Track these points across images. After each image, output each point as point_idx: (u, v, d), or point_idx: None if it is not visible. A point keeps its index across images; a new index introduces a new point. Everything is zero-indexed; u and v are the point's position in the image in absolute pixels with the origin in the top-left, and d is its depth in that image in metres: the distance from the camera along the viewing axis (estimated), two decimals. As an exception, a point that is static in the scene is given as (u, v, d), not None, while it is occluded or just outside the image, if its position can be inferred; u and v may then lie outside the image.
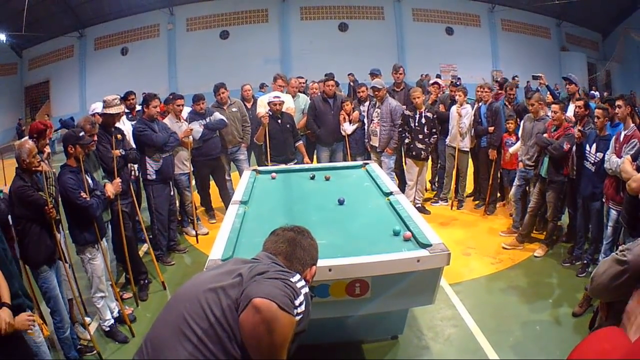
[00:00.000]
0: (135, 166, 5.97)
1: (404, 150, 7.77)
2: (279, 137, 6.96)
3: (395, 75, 8.29)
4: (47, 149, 5.17)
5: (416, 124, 7.28)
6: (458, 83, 9.28)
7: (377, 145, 7.54)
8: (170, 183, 6.35)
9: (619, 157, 4.66)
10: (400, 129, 7.38)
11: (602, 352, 1.59)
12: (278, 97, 7.05)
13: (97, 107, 6.03)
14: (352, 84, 11.66)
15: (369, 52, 21.11)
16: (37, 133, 4.89)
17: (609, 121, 5.19)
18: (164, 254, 6.25)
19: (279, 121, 6.96)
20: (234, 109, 7.50)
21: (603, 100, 6.78)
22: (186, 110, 7.02)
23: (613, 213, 4.84)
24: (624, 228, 4.52)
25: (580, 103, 5.83)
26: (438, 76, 14.68)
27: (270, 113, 6.95)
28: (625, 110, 4.80)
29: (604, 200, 5.06)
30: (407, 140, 7.37)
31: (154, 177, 6.04)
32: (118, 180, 4.88)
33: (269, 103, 7.02)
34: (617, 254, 2.09)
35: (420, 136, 7.27)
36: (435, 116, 7.39)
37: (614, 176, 4.76)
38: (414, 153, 7.39)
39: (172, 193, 6.39)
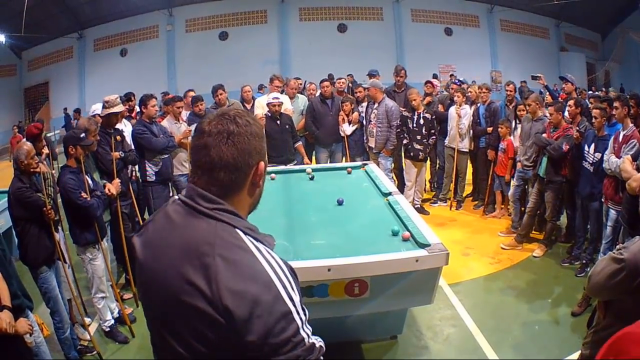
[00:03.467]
0: (136, 167, 5.97)
1: (402, 151, 7.78)
2: (278, 138, 6.95)
3: (397, 78, 8.31)
4: (45, 150, 5.18)
5: (414, 125, 7.29)
6: (458, 82, 9.22)
7: (373, 146, 7.55)
8: (170, 184, 6.35)
9: (618, 157, 4.67)
10: (399, 130, 7.38)
11: None
12: (277, 98, 7.05)
13: (97, 108, 6.04)
14: (350, 84, 11.68)
15: (368, 52, 21.12)
16: (32, 137, 4.90)
17: (606, 121, 5.21)
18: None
19: (278, 122, 6.96)
20: (232, 110, 7.47)
21: (598, 97, 6.78)
22: (185, 112, 7.02)
23: (612, 213, 4.85)
24: (624, 227, 4.53)
25: (571, 102, 5.86)
26: (435, 76, 14.66)
27: (270, 114, 6.96)
28: (622, 111, 4.81)
29: (602, 200, 5.06)
30: (405, 141, 7.38)
31: (153, 178, 6.03)
32: (117, 180, 4.89)
33: (268, 104, 7.02)
34: (614, 252, 2.10)
35: (419, 137, 7.27)
36: (433, 117, 7.40)
37: (613, 176, 4.77)
38: (412, 154, 7.40)
39: (171, 194, 6.39)
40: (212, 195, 1.39)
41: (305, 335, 1.30)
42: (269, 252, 1.36)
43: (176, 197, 1.51)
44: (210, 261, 1.28)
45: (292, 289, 1.31)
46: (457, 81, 9.28)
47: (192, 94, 7.63)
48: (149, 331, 1.51)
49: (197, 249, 1.32)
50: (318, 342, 1.36)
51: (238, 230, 1.37)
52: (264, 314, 1.23)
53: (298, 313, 1.30)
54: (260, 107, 7.46)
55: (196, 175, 1.41)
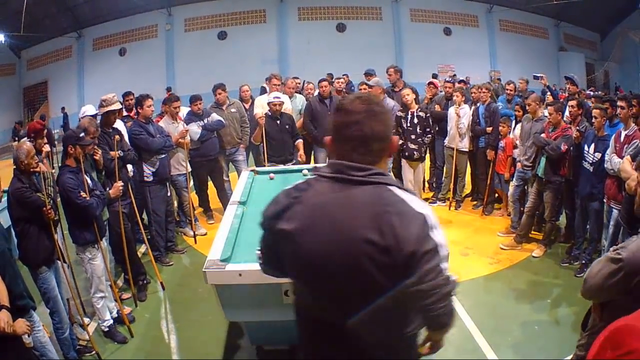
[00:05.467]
0: (130, 166, 5.95)
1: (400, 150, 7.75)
2: (277, 137, 6.95)
3: (387, 77, 8.27)
4: (46, 148, 5.17)
5: (408, 125, 7.20)
6: (454, 80, 9.18)
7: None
8: (167, 184, 6.34)
9: (620, 157, 4.66)
10: (394, 131, 7.29)
11: None
12: (278, 97, 7.02)
13: (88, 110, 6.01)
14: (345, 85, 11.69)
15: (367, 52, 21.12)
16: (34, 132, 4.89)
17: (608, 121, 5.20)
18: (163, 255, 6.24)
19: (278, 122, 6.94)
20: (232, 110, 7.48)
21: (600, 98, 6.78)
22: (184, 111, 7.01)
23: (615, 212, 4.84)
24: (623, 227, 4.52)
25: (574, 103, 5.84)
26: (434, 76, 14.61)
27: (270, 114, 6.94)
28: (628, 111, 4.78)
29: (605, 200, 5.05)
30: (400, 142, 7.27)
31: (151, 178, 6.02)
32: (120, 183, 4.87)
33: (268, 103, 6.99)
34: (610, 253, 2.10)
35: (413, 136, 7.18)
36: (428, 115, 7.30)
37: (615, 176, 4.76)
38: (407, 154, 7.30)
39: (168, 194, 6.37)
40: (362, 164, 1.64)
41: (444, 268, 1.59)
42: (417, 200, 1.64)
43: (313, 177, 1.76)
44: (383, 218, 1.54)
45: (438, 228, 1.60)
46: (451, 79, 9.17)
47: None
48: (303, 311, 1.81)
49: (368, 212, 1.57)
50: (453, 276, 1.64)
51: (391, 187, 1.64)
52: (420, 247, 1.53)
53: (442, 248, 1.59)
54: (260, 106, 7.44)
55: (347, 148, 1.66)
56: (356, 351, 1.68)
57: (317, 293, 1.70)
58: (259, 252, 1.91)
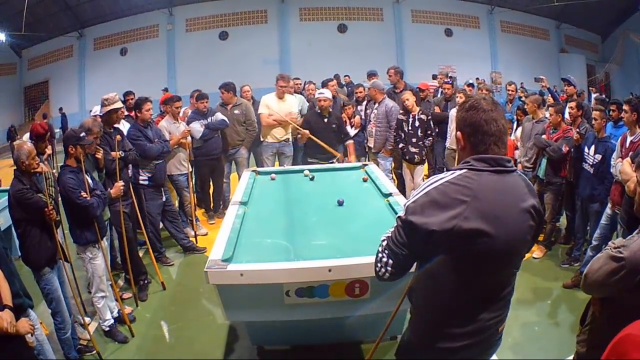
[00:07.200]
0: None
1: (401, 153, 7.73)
2: (323, 136, 6.87)
3: (388, 78, 8.25)
4: (48, 150, 5.17)
5: (409, 128, 7.12)
6: (450, 81, 9.16)
7: (372, 146, 7.50)
8: (162, 189, 6.23)
9: None
10: (395, 134, 7.29)
11: None
12: (322, 93, 6.98)
13: (98, 109, 6.00)
14: (344, 85, 11.70)
15: (368, 53, 21.12)
16: (36, 136, 4.88)
17: (614, 122, 5.17)
18: (162, 255, 6.23)
19: (325, 120, 6.92)
20: (236, 112, 7.44)
21: (604, 101, 6.77)
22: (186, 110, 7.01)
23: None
24: (623, 229, 4.52)
25: (573, 104, 5.84)
26: (434, 77, 14.60)
27: (318, 111, 6.95)
28: (631, 116, 4.73)
29: (609, 205, 5.01)
30: (401, 145, 7.26)
31: (146, 183, 5.97)
32: (121, 183, 4.88)
33: (317, 99, 6.98)
34: (611, 251, 2.11)
35: (414, 140, 7.08)
36: (429, 117, 7.25)
37: (620, 182, 4.71)
38: (407, 157, 7.26)
39: (163, 199, 6.23)
40: (505, 156, 1.95)
41: None
42: None
43: (463, 171, 1.92)
44: (532, 192, 2.01)
45: None
46: (449, 80, 9.15)
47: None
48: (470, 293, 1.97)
49: (525, 190, 1.98)
50: None
51: (519, 171, 2.07)
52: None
53: None
54: (265, 106, 7.39)
55: (487, 142, 1.92)
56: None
57: (501, 272, 1.99)
58: (388, 265, 2.03)
